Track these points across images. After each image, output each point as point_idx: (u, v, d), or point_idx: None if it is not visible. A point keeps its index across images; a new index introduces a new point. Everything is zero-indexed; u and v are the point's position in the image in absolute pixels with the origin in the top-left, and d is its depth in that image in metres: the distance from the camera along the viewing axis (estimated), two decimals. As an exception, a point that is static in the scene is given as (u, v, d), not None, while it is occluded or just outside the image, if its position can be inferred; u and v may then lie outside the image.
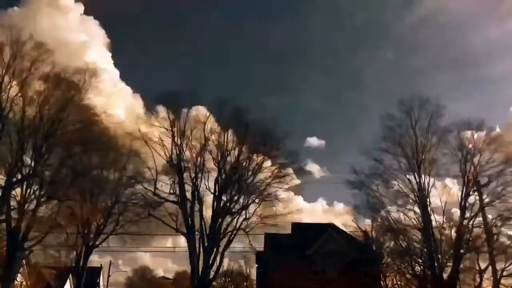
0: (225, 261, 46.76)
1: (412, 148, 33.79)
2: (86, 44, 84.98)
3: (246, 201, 35.98)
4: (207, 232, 34.65)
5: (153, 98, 36.73)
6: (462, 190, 32.12)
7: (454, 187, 33.23)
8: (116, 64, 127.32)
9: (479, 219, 30.66)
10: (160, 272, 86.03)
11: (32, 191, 29.24)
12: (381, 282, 37.27)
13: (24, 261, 33.21)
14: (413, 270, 34.26)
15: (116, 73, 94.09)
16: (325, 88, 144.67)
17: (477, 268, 32.12)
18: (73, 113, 30.42)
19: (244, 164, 36.18)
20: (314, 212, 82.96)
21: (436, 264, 31.46)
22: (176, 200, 35.58)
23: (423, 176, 33.14)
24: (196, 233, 34.71)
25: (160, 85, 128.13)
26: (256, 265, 41.32)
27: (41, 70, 29.42)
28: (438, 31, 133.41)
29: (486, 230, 27.51)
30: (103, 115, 32.77)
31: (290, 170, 36.77)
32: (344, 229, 38.50)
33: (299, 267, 33.03)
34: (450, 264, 31.53)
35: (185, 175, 35.83)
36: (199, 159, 36.04)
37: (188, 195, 35.51)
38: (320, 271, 33.98)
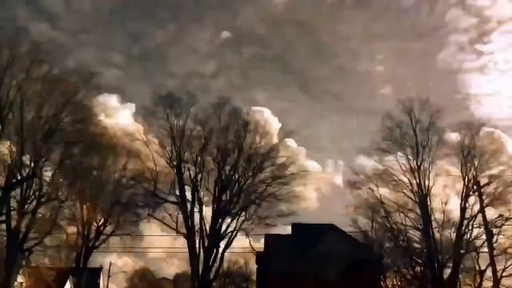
0: (225, 262, 46.46)
1: (412, 148, 33.87)
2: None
3: (246, 201, 35.96)
4: (207, 233, 34.62)
5: (153, 98, 36.49)
6: (462, 191, 32.21)
7: (454, 188, 33.30)
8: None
9: (479, 219, 30.66)
10: (160, 273, 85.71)
11: (32, 191, 29.23)
12: (381, 282, 37.19)
13: (24, 261, 33.15)
14: (413, 270, 34.24)
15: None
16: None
17: (477, 268, 32.14)
18: (73, 113, 30.40)
19: (244, 164, 36.12)
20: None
21: (436, 264, 31.47)
22: (176, 200, 35.56)
23: (423, 176, 33.22)
24: (196, 233, 34.70)
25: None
26: (256, 266, 41.25)
27: (40, 71, 29.41)
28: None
29: (486, 230, 27.53)
30: (102, 115, 32.82)
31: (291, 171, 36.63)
32: (344, 230, 38.41)
33: (299, 267, 32.93)
34: (450, 264, 31.56)
35: (185, 175, 35.84)
36: (198, 159, 36.05)
37: (188, 195, 35.55)
38: (320, 272, 33.89)
